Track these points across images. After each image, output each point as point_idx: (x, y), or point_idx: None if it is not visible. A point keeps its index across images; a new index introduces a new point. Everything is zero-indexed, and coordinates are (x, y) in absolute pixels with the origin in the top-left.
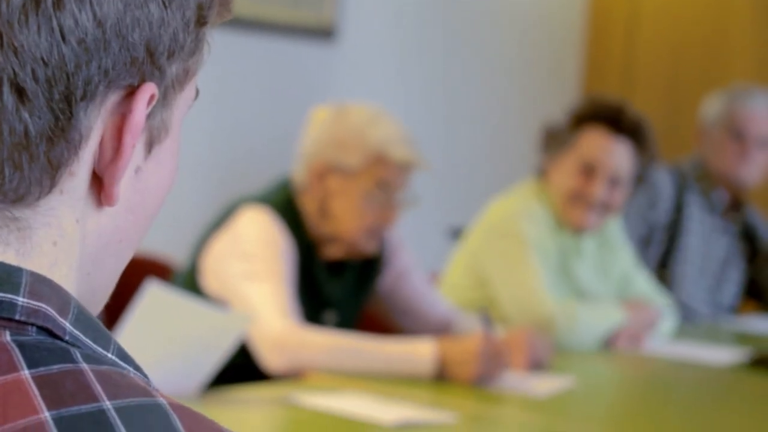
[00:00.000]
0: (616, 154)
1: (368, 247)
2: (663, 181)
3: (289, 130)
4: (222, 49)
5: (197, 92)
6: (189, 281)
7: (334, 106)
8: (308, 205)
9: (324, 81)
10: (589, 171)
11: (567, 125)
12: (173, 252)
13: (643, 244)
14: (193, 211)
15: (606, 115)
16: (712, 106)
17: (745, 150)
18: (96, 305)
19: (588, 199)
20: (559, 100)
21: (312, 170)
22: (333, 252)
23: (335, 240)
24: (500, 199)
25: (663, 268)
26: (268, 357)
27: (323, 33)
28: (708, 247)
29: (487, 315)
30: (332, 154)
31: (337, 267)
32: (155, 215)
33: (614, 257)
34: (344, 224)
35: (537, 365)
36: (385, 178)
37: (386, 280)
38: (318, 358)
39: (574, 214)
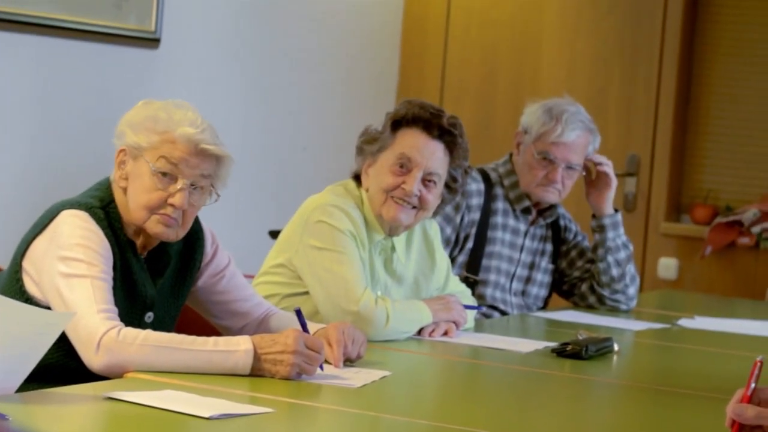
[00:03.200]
0: (431, 153)
1: (157, 231)
2: (471, 188)
3: (113, 133)
4: (47, 55)
5: None
6: (10, 284)
7: (143, 101)
8: (120, 200)
9: (147, 85)
10: (404, 167)
11: (384, 127)
12: None
13: (447, 245)
14: (17, 215)
15: (422, 118)
16: (527, 116)
17: (550, 176)
18: None
19: (402, 193)
20: (377, 103)
21: (116, 156)
22: (140, 242)
23: (139, 229)
24: (313, 196)
25: (468, 274)
26: (88, 357)
27: (147, 39)
28: (512, 253)
29: (301, 313)
30: (129, 137)
31: (157, 267)
32: None
33: (432, 262)
34: (131, 204)
35: (352, 359)
36: (169, 155)
37: (204, 279)
38: (137, 357)
39: (389, 209)
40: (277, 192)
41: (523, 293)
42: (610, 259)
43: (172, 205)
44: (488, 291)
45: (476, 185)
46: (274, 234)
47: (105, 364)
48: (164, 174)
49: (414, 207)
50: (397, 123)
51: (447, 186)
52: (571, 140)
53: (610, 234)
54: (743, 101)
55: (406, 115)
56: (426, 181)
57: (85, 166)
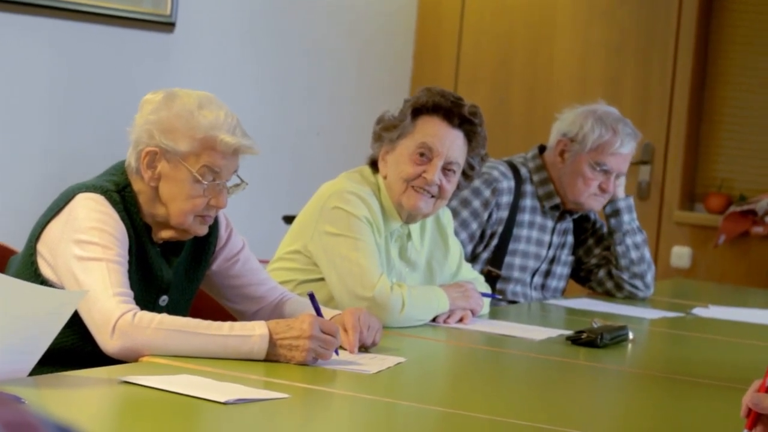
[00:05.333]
0: (451, 142)
1: (198, 231)
2: (503, 185)
3: (129, 118)
4: (62, 38)
5: None
6: (24, 267)
7: (163, 92)
8: (140, 190)
9: (162, 69)
10: (424, 156)
11: (404, 114)
12: (10, 242)
13: (470, 240)
14: (34, 198)
15: (443, 106)
16: (573, 125)
17: (603, 186)
18: None
19: (423, 183)
20: (391, 90)
21: (142, 155)
22: (165, 235)
23: (166, 223)
24: (329, 182)
25: (491, 269)
26: (103, 340)
27: (162, 24)
28: (539, 250)
29: (314, 297)
30: (161, 139)
31: (171, 251)
32: None
33: (446, 248)
34: (172, 209)
35: (367, 345)
36: (213, 164)
37: (218, 263)
38: (152, 341)
39: (410, 198)
40: (292, 177)
41: (543, 287)
42: (628, 241)
43: (215, 206)
44: (509, 287)
45: (507, 183)
46: (289, 219)
47: (120, 348)
48: (207, 180)
49: (433, 196)
50: (418, 111)
51: (463, 173)
52: (628, 151)
53: (626, 217)
54: (758, 91)
55: (427, 103)
56: (445, 170)
57: (101, 150)
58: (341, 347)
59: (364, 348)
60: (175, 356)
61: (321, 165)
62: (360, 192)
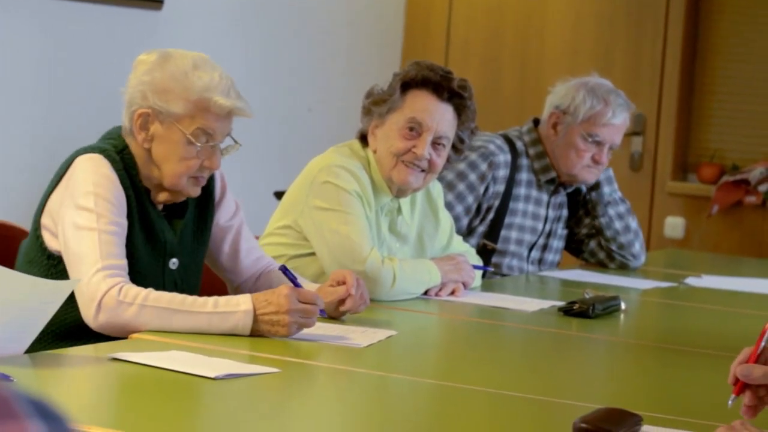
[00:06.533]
0: (441, 116)
1: (191, 192)
2: (499, 159)
3: (117, 95)
4: (50, 16)
5: None
6: (32, 243)
7: (157, 52)
8: (137, 151)
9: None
10: (414, 131)
11: (393, 89)
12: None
13: (466, 214)
14: (24, 177)
15: (432, 80)
16: (565, 97)
17: (596, 157)
18: None
19: (413, 158)
20: (382, 64)
21: (135, 117)
22: (162, 198)
23: (161, 186)
24: (318, 156)
25: (486, 242)
26: (88, 316)
27: (150, 0)
28: (536, 224)
29: (287, 268)
30: (155, 100)
31: (175, 213)
32: None
33: (436, 221)
34: (166, 170)
35: (354, 310)
36: (206, 126)
37: (217, 217)
38: (137, 318)
39: (400, 172)
40: (282, 153)
41: (540, 261)
42: (611, 212)
43: (208, 168)
44: (505, 260)
45: (503, 156)
46: (279, 195)
47: (104, 324)
48: (200, 142)
49: (423, 170)
50: (407, 85)
51: (453, 146)
52: (620, 122)
53: (606, 189)
54: (750, 60)
55: (416, 76)
56: (435, 144)
57: (90, 128)
58: (333, 318)
59: (348, 313)
60: (163, 332)
61: (312, 141)
62: (350, 166)
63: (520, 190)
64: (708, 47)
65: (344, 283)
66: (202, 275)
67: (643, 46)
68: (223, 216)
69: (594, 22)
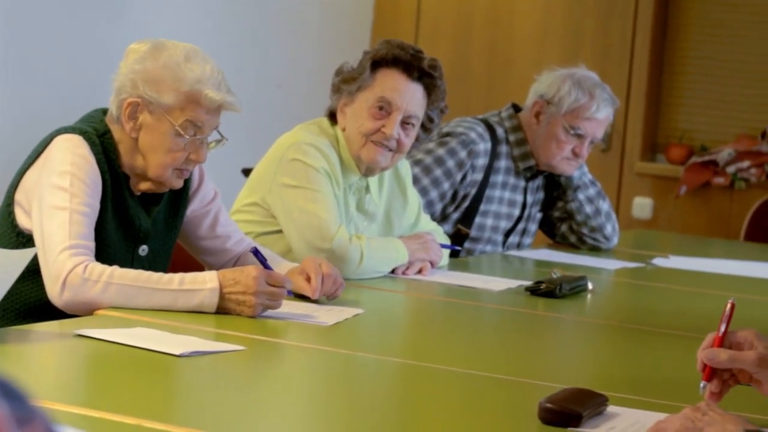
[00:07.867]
0: (411, 96)
1: (174, 184)
2: (479, 148)
3: (86, 76)
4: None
5: None
6: (2, 219)
7: (150, 41)
8: (120, 139)
9: (118, 26)
10: (383, 110)
11: (363, 67)
12: None
13: (441, 200)
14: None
15: (403, 59)
16: (551, 87)
17: (576, 150)
18: None
19: (382, 137)
20: (351, 42)
21: (124, 105)
22: (143, 187)
23: (144, 175)
24: (286, 134)
25: (461, 227)
26: (53, 293)
27: None
28: (512, 210)
29: (258, 251)
30: (145, 90)
31: (150, 201)
32: None
33: (404, 200)
34: (151, 161)
35: (329, 295)
36: (196, 118)
37: (192, 207)
38: (102, 296)
39: (369, 151)
40: (251, 130)
41: (519, 245)
42: (581, 196)
43: (194, 161)
44: (478, 246)
45: (484, 145)
46: (247, 172)
47: (68, 301)
48: (188, 134)
49: (391, 150)
50: (377, 63)
51: (423, 126)
52: (603, 117)
53: (575, 173)
54: (720, 41)
55: (386, 55)
56: (404, 123)
57: (59, 110)
58: (301, 296)
59: (325, 297)
60: (128, 309)
61: (281, 118)
62: (318, 144)
63: (498, 178)
64: (678, 28)
65: (309, 279)
66: (170, 262)
67: (612, 27)
68: (198, 203)
69: (564, 3)
